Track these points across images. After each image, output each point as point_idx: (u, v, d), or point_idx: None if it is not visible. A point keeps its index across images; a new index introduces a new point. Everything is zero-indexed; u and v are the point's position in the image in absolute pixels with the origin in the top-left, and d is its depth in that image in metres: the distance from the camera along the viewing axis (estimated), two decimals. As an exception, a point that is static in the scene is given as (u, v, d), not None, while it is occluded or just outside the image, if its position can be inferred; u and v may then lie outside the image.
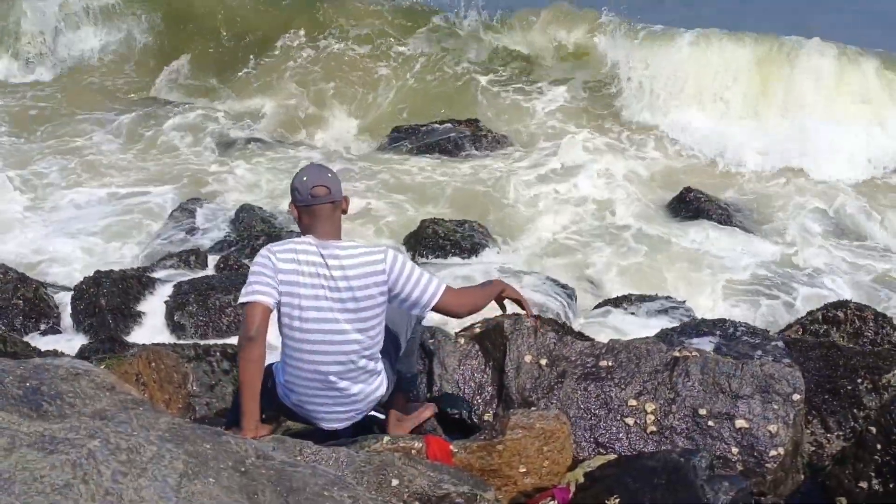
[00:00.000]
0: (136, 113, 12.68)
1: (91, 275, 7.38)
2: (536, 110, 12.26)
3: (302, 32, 13.58)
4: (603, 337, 5.07)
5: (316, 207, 3.65)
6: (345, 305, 3.60)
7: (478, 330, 4.63)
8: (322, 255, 3.60)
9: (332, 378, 3.68)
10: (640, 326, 7.14)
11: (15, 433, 2.43)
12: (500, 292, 4.03)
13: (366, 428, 4.30)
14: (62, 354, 5.77)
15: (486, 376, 4.46)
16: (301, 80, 12.93)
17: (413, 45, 13.15)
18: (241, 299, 3.56)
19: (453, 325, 6.04)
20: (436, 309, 3.71)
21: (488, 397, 4.43)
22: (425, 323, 5.69)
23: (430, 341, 4.57)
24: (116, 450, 2.44)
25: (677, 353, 4.30)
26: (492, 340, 4.50)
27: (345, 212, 3.78)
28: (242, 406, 3.53)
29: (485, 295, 3.95)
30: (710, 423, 4.07)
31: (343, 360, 3.66)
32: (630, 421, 4.15)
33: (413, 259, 8.70)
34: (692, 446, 3.99)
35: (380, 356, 3.82)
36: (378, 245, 3.81)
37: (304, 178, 3.67)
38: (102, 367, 4.20)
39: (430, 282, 3.69)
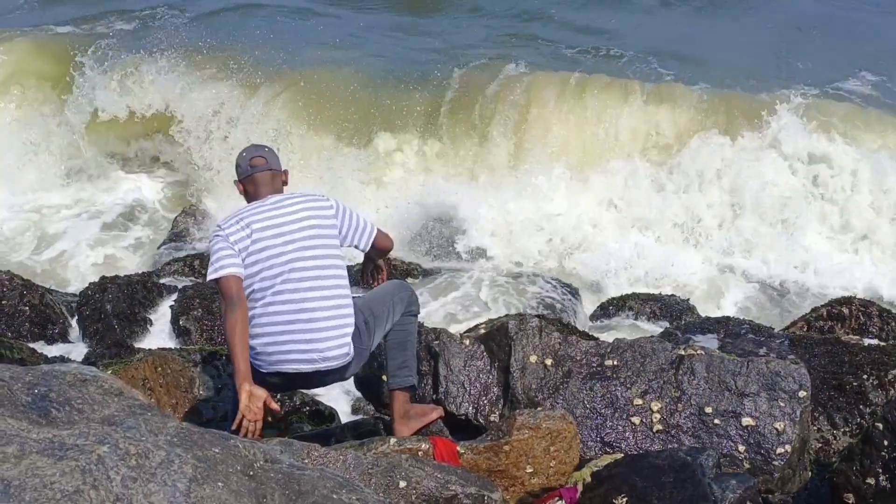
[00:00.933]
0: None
1: (96, 280, 7.40)
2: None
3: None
4: (608, 336, 5.07)
5: (256, 175, 4.07)
6: (301, 234, 3.89)
7: (483, 331, 4.64)
8: (269, 205, 3.96)
9: (296, 308, 3.83)
10: (644, 325, 7.16)
11: (24, 440, 2.44)
12: None
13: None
14: (69, 360, 5.79)
15: (491, 377, 4.47)
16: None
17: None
18: (212, 276, 3.87)
19: (458, 326, 6.06)
20: (373, 245, 4.19)
21: (494, 398, 4.43)
22: (429, 323, 5.72)
23: (435, 343, 4.57)
24: (126, 455, 2.45)
25: (682, 352, 4.30)
26: (497, 341, 4.51)
27: (285, 183, 4.19)
28: (236, 365, 3.74)
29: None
30: (717, 421, 4.07)
31: (306, 286, 3.86)
32: (636, 420, 4.15)
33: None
34: (699, 445, 4.00)
35: (350, 304, 3.97)
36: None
37: (244, 154, 4.16)
38: (109, 372, 4.21)
39: (366, 222, 4.19)
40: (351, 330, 3.94)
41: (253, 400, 3.63)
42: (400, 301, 4.19)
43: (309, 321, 3.85)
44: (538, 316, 4.92)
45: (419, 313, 4.36)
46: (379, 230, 4.25)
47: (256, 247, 3.85)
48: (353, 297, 4.04)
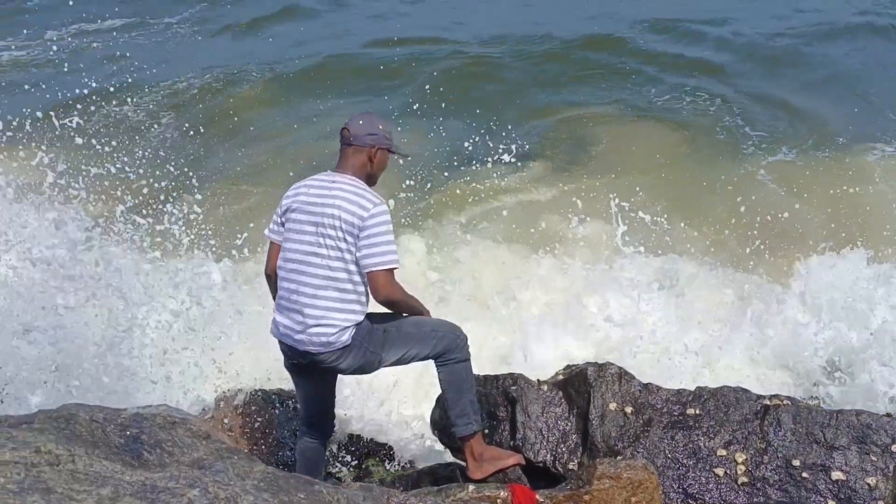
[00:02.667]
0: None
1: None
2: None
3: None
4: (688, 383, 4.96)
5: (343, 146, 4.09)
6: (324, 220, 3.91)
7: (561, 377, 4.60)
8: (326, 181, 4.01)
9: (296, 288, 3.95)
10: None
11: (119, 482, 2.50)
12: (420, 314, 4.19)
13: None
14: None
15: (570, 424, 4.42)
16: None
17: None
18: (265, 231, 4.19)
19: (535, 372, 6.00)
20: (368, 276, 3.91)
21: (573, 445, 4.37)
22: (505, 369, 5.67)
23: (513, 388, 4.54)
24: (215, 499, 2.48)
25: (767, 402, 4.19)
26: (575, 387, 4.46)
27: (372, 160, 4.07)
28: None
29: (414, 303, 4.13)
30: (805, 474, 3.94)
31: (313, 271, 3.92)
32: (720, 471, 4.05)
33: None
34: (786, 499, 3.88)
35: (356, 299, 3.94)
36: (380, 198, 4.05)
37: (347, 120, 4.13)
38: (191, 413, 4.30)
39: (384, 253, 3.89)
40: (349, 323, 3.93)
41: None
42: (441, 339, 4.10)
43: (304, 305, 3.94)
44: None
45: (469, 359, 4.20)
46: (387, 274, 3.90)
47: (292, 216, 4.03)
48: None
